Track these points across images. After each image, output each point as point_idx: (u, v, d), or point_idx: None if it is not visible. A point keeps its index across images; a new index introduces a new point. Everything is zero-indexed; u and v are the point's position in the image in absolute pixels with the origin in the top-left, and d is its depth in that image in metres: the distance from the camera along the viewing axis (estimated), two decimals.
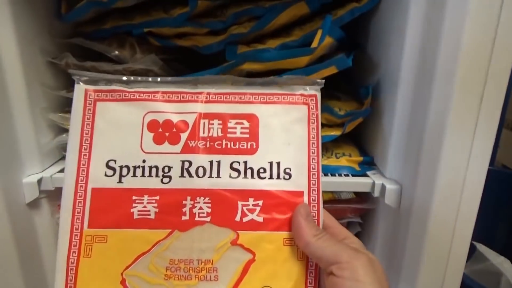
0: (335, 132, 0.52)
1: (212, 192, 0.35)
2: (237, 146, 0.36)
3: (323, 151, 0.54)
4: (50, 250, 0.52)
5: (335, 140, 0.56)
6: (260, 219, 0.35)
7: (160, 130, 0.36)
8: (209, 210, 0.34)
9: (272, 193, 0.35)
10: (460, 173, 0.41)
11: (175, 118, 0.36)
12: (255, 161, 0.36)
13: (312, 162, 0.36)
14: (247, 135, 0.36)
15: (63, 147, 0.51)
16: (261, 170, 0.35)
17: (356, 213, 0.55)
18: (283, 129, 0.36)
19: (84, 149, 0.35)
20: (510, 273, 0.73)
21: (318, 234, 0.32)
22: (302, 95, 0.37)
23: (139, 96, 0.37)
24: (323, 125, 0.54)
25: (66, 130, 0.50)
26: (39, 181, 0.47)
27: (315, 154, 0.36)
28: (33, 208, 0.49)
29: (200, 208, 0.35)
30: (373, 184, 0.48)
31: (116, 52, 0.50)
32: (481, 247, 0.78)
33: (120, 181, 0.35)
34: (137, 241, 0.34)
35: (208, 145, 0.36)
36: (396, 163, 0.48)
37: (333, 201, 0.54)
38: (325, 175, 0.51)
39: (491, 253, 0.77)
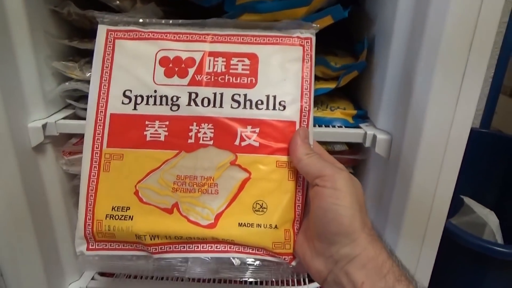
0: (330, 85, 0.54)
1: (215, 120, 0.39)
2: (238, 81, 0.40)
3: (319, 104, 0.56)
4: (56, 193, 0.55)
5: (330, 95, 0.58)
6: (256, 144, 0.39)
7: (171, 65, 0.41)
8: (212, 135, 0.39)
9: (268, 122, 0.40)
10: (445, 126, 0.42)
11: (184, 55, 0.41)
12: (254, 94, 0.40)
13: (305, 97, 0.40)
14: (248, 71, 0.41)
15: (66, 95, 0.53)
16: (259, 102, 0.40)
17: (349, 164, 0.57)
18: (280, 67, 0.41)
19: (104, 80, 0.40)
20: (493, 223, 0.76)
21: (309, 153, 0.37)
22: (298, 37, 0.41)
23: (152, 35, 0.41)
24: (318, 78, 0.56)
25: (69, 78, 0.52)
26: (44, 126, 0.49)
27: (308, 90, 0.41)
28: (39, 153, 0.51)
29: (204, 133, 0.39)
30: (365, 134, 0.50)
31: (117, 1, 0.51)
32: (469, 200, 0.81)
33: (135, 108, 0.40)
34: (149, 159, 0.39)
35: (212, 79, 0.40)
36: (387, 115, 0.50)
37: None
38: (319, 126, 0.53)
39: (477, 206, 0.80)
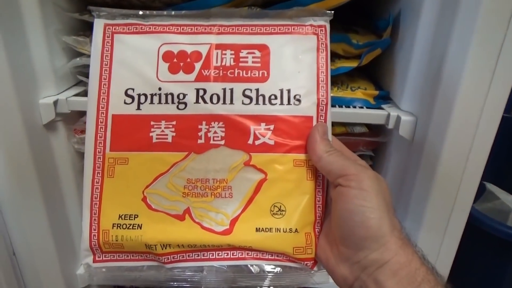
0: (352, 64, 0.51)
1: (226, 117, 0.36)
2: (249, 75, 0.37)
3: (338, 84, 0.53)
4: (67, 172, 0.54)
5: (350, 74, 0.55)
6: (271, 142, 0.36)
7: (175, 60, 0.37)
8: (223, 134, 0.36)
9: (282, 118, 0.36)
10: (476, 108, 0.40)
11: (189, 49, 0.37)
12: (266, 88, 0.37)
13: (321, 89, 0.37)
14: (259, 64, 0.37)
15: (77, 72, 0.51)
16: (272, 97, 0.37)
17: (369, 146, 0.55)
18: (293, 58, 0.37)
19: (104, 79, 0.37)
20: None
21: (330, 150, 0.34)
22: (311, 25, 0.38)
23: (154, 28, 0.38)
24: (339, 56, 0.53)
25: (80, 54, 0.50)
26: (55, 103, 0.48)
27: (324, 82, 0.37)
28: (50, 130, 0.50)
29: (215, 132, 0.36)
30: (388, 116, 0.48)
31: None
32: (491, 186, 0.79)
33: (138, 108, 0.37)
34: (156, 162, 0.36)
35: (221, 74, 0.37)
36: (412, 96, 0.47)
37: (346, 134, 0.54)
38: (340, 106, 0.51)
39: (501, 192, 0.78)
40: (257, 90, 0.37)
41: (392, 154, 0.54)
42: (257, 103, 0.37)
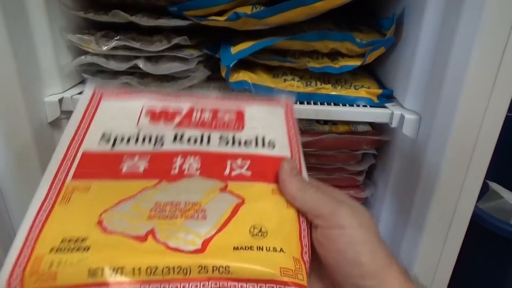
0: (356, 62, 0.51)
1: (203, 153, 0.36)
2: (225, 127, 0.39)
3: (342, 82, 0.53)
4: None
5: (353, 73, 0.55)
6: (248, 173, 0.35)
7: (157, 114, 0.39)
8: (198, 166, 0.35)
9: (259, 155, 0.36)
10: (481, 107, 0.40)
11: (171, 108, 0.40)
12: (242, 135, 0.38)
13: (293, 144, 0.38)
14: (234, 120, 0.39)
15: (82, 70, 0.51)
16: (248, 141, 0.37)
17: (372, 145, 0.55)
18: (266, 119, 0.40)
19: (83, 127, 0.37)
20: None
21: (302, 187, 0.32)
22: (280, 100, 0.42)
23: (140, 95, 0.40)
24: (343, 55, 0.53)
25: (85, 52, 0.50)
26: (60, 101, 0.48)
27: (295, 143, 0.39)
28: (55, 128, 0.50)
29: (190, 164, 0.35)
30: (392, 114, 0.48)
31: None
32: (495, 185, 0.79)
33: (112, 147, 0.35)
34: (122, 189, 0.32)
35: (199, 124, 0.38)
36: (416, 94, 0.47)
37: (349, 133, 0.54)
38: (343, 105, 0.51)
39: (504, 191, 0.78)
40: (233, 136, 0.38)
41: (395, 152, 0.54)
42: (233, 145, 0.37)
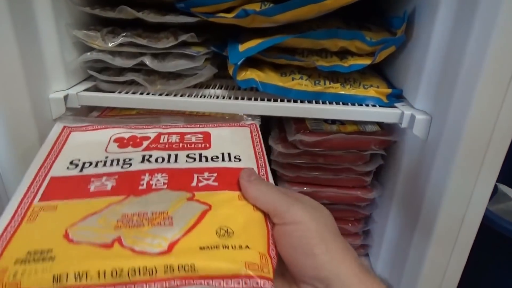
0: (365, 61, 0.51)
1: (170, 170, 0.37)
2: (192, 146, 0.41)
3: (351, 82, 0.52)
4: None
5: (362, 72, 0.55)
6: (215, 183, 0.36)
7: (125, 141, 0.41)
8: (166, 181, 0.36)
9: (225, 168, 0.38)
10: (495, 107, 0.39)
11: (139, 135, 0.42)
12: (208, 153, 0.40)
13: (259, 157, 0.40)
14: (201, 141, 0.42)
15: (88, 67, 0.51)
16: (215, 157, 0.39)
17: (380, 145, 0.54)
18: (231, 138, 0.43)
19: (51, 157, 0.38)
20: None
21: (262, 189, 0.33)
22: (244, 123, 0.46)
23: (108, 126, 0.43)
24: (352, 54, 0.52)
25: (90, 49, 0.49)
26: (65, 98, 0.47)
27: (261, 153, 0.41)
28: None
29: (158, 180, 0.36)
30: (402, 114, 0.47)
31: None
32: (504, 187, 0.78)
33: (81, 171, 0.36)
34: (90, 206, 0.32)
35: (167, 146, 0.41)
36: (427, 94, 0.47)
37: (357, 133, 0.53)
38: (352, 105, 0.50)
39: None
40: (200, 154, 0.40)
41: (404, 153, 0.53)
42: (200, 161, 0.39)
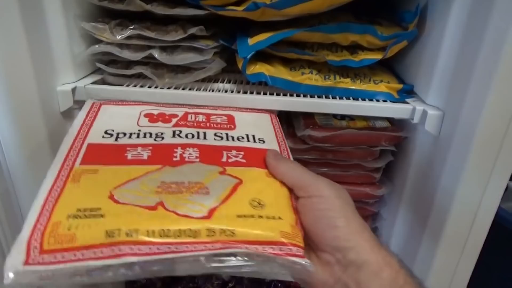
0: (376, 56, 0.50)
1: (200, 145, 0.40)
2: (219, 126, 0.44)
3: (361, 77, 0.52)
4: None
5: (372, 67, 0.54)
6: (243, 160, 0.39)
7: (155, 116, 0.44)
8: (197, 155, 0.38)
9: (252, 148, 0.41)
10: (509, 105, 0.38)
11: (167, 112, 0.45)
12: (234, 133, 0.43)
13: (281, 142, 0.44)
14: (226, 122, 0.45)
15: (96, 59, 0.50)
16: (240, 137, 0.42)
17: (391, 141, 0.53)
18: (254, 123, 0.46)
19: (86, 126, 0.41)
20: None
21: (289, 166, 0.37)
22: (264, 111, 0.49)
23: (136, 103, 0.47)
24: (363, 48, 0.52)
25: (98, 41, 0.49)
26: (73, 90, 0.47)
27: (282, 139, 0.44)
28: (68, 118, 0.49)
29: (190, 154, 0.38)
30: (413, 109, 0.46)
31: None
32: None
33: (116, 140, 0.39)
34: (130, 172, 0.35)
35: (195, 124, 0.44)
36: (440, 89, 0.46)
37: (367, 129, 0.52)
38: (362, 100, 0.49)
39: None
40: (227, 133, 0.43)
41: (415, 149, 0.52)
42: (227, 139, 0.42)
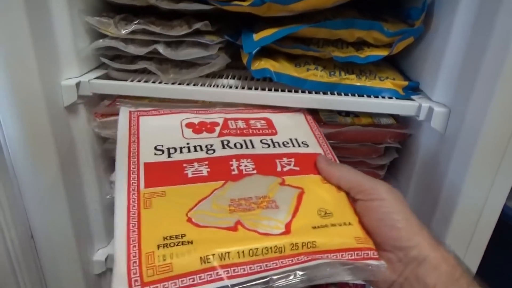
0: (382, 52, 0.50)
1: (252, 155, 0.41)
2: (261, 132, 0.45)
3: (367, 73, 0.51)
4: (86, 155, 0.53)
5: (377, 64, 0.54)
6: (297, 168, 0.40)
7: (197, 126, 0.44)
8: (253, 166, 0.39)
9: (299, 153, 0.42)
10: None
11: (207, 120, 0.45)
12: (278, 138, 0.44)
13: (322, 143, 0.45)
14: (266, 127, 0.46)
15: (100, 54, 0.50)
16: (285, 143, 0.44)
17: (396, 138, 0.53)
18: (292, 125, 0.47)
19: (133, 142, 0.40)
20: None
21: (344, 170, 0.39)
22: (295, 109, 0.50)
23: (172, 112, 0.46)
24: (369, 45, 0.51)
25: (103, 36, 0.49)
26: (77, 85, 0.47)
27: (320, 136, 0.46)
28: (71, 113, 0.49)
29: (246, 165, 0.39)
30: (419, 106, 0.46)
31: None
32: None
33: (169, 157, 0.39)
34: (195, 191, 0.35)
35: (238, 132, 0.44)
36: (446, 86, 0.45)
37: (372, 125, 0.52)
38: (368, 96, 0.49)
39: None
40: (272, 139, 0.44)
41: (420, 147, 0.52)
42: (274, 146, 0.43)
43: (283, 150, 0.42)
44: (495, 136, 0.40)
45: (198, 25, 0.47)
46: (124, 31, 0.47)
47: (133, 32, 0.47)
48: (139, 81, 0.50)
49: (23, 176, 0.46)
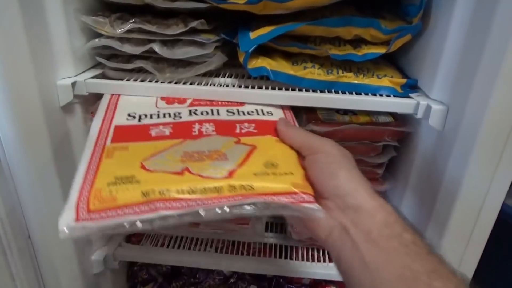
0: (380, 50, 0.49)
1: (215, 120, 0.44)
2: (230, 104, 0.49)
3: (364, 71, 0.51)
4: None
5: (375, 62, 0.53)
6: (255, 131, 0.43)
7: (171, 99, 0.49)
8: (214, 129, 0.43)
9: (262, 120, 0.46)
10: None
11: (181, 96, 0.49)
12: (244, 109, 0.48)
13: (288, 115, 0.48)
14: (236, 103, 0.49)
15: (96, 53, 0.50)
16: (250, 112, 0.47)
17: (394, 136, 0.53)
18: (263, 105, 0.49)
19: (110, 111, 0.45)
20: None
21: (298, 131, 0.42)
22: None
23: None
24: (366, 42, 0.51)
25: (98, 35, 0.48)
26: (73, 85, 0.47)
27: (289, 114, 0.48)
28: (67, 113, 0.49)
29: (207, 128, 0.43)
30: (417, 104, 0.46)
31: None
32: None
33: (139, 121, 0.44)
34: (155, 146, 0.40)
35: (208, 103, 0.48)
36: (444, 84, 0.45)
37: (370, 124, 0.52)
38: (366, 94, 0.49)
39: None
40: (238, 109, 0.47)
41: (418, 145, 0.51)
42: (238, 114, 0.46)
43: (246, 117, 0.46)
44: (494, 133, 0.39)
45: (194, 24, 0.47)
46: (120, 30, 0.47)
47: (129, 31, 0.47)
48: (135, 80, 0.49)
49: (19, 176, 0.46)
